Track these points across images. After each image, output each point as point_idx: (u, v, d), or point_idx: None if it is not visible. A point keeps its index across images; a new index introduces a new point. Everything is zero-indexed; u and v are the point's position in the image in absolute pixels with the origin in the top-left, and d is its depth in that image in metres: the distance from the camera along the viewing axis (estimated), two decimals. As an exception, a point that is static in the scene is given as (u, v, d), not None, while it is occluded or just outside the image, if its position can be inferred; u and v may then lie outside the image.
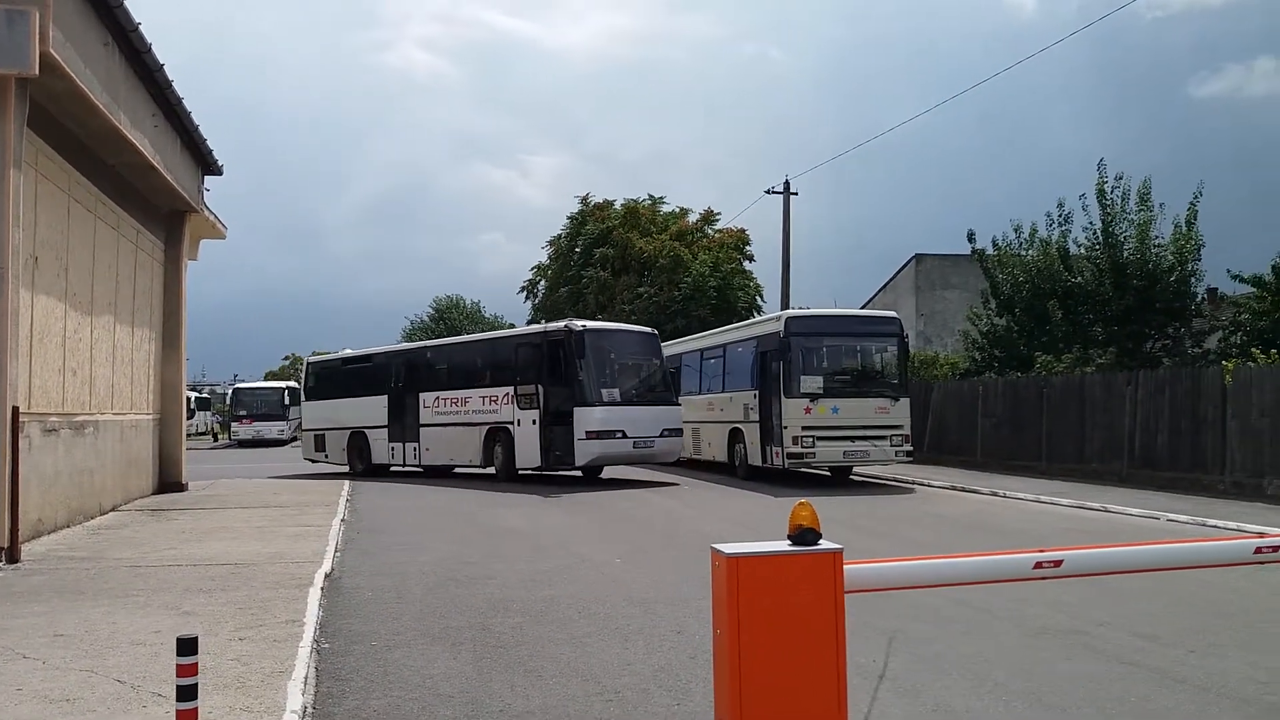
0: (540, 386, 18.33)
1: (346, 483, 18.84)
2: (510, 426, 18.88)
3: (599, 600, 7.92)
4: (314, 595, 7.76)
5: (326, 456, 24.01)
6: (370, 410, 22.69)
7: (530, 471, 19.25)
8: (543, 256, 42.03)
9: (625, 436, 17.85)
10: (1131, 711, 5.00)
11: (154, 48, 12.35)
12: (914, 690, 5.40)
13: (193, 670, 3.39)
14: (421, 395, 21.36)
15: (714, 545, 3.59)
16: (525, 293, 42.88)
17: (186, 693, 3.34)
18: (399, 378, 22.41)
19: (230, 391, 50.53)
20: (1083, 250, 22.20)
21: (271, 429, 43.75)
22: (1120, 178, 21.60)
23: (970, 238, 24.57)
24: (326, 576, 8.73)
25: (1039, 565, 3.82)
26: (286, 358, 74.40)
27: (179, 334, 17.59)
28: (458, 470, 21.11)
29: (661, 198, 39.79)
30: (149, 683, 5.34)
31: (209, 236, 19.77)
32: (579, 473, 19.42)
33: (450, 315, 61.76)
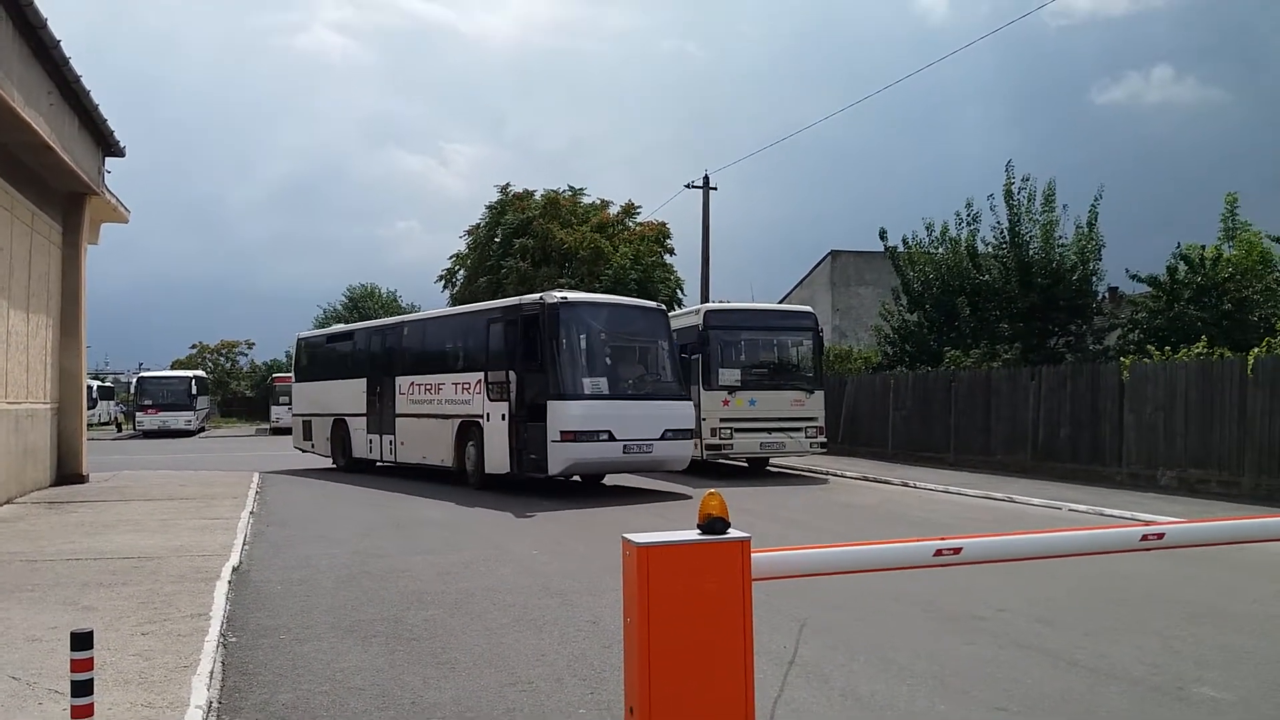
0: (512, 373, 14.72)
1: (256, 474, 18.40)
2: (481, 421, 15.44)
3: (515, 591, 7.91)
4: (220, 589, 7.59)
5: (313, 446, 22.00)
6: (350, 395, 20.11)
7: (507, 477, 15.23)
8: (461, 246, 41.56)
9: (613, 439, 14.23)
10: (1027, 693, 5.20)
11: (50, 22, 11.86)
12: (822, 676, 5.53)
13: (88, 665, 3.30)
14: (397, 380, 18.34)
15: (625, 535, 3.62)
16: (443, 282, 42.35)
17: (82, 688, 3.25)
18: (376, 358, 19.71)
19: (135, 380, 48.88)
20: (990, 249, 22.85)
21: (178, 419, 42.49)
22: (1027, 179, 22.29)
23: (882, 235, 25.08)
24: (234, 570, 8.54)
25: (939, 553, 3.94)
26: (193, 346, 72.21)
27: (78, 320, 16.93)
28: (432, 469, 17.50)
29: (582, 189, 39.69)
30: (45, 679, 5.16)
31: (110, 220, 19.06)
32: (580, 480, 16.37)
33: (365, 304, 60.62)
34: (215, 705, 5.00)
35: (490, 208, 39.58)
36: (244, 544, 10.11)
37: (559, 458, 14.05)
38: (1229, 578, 8.69)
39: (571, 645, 6.19)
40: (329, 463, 21.09)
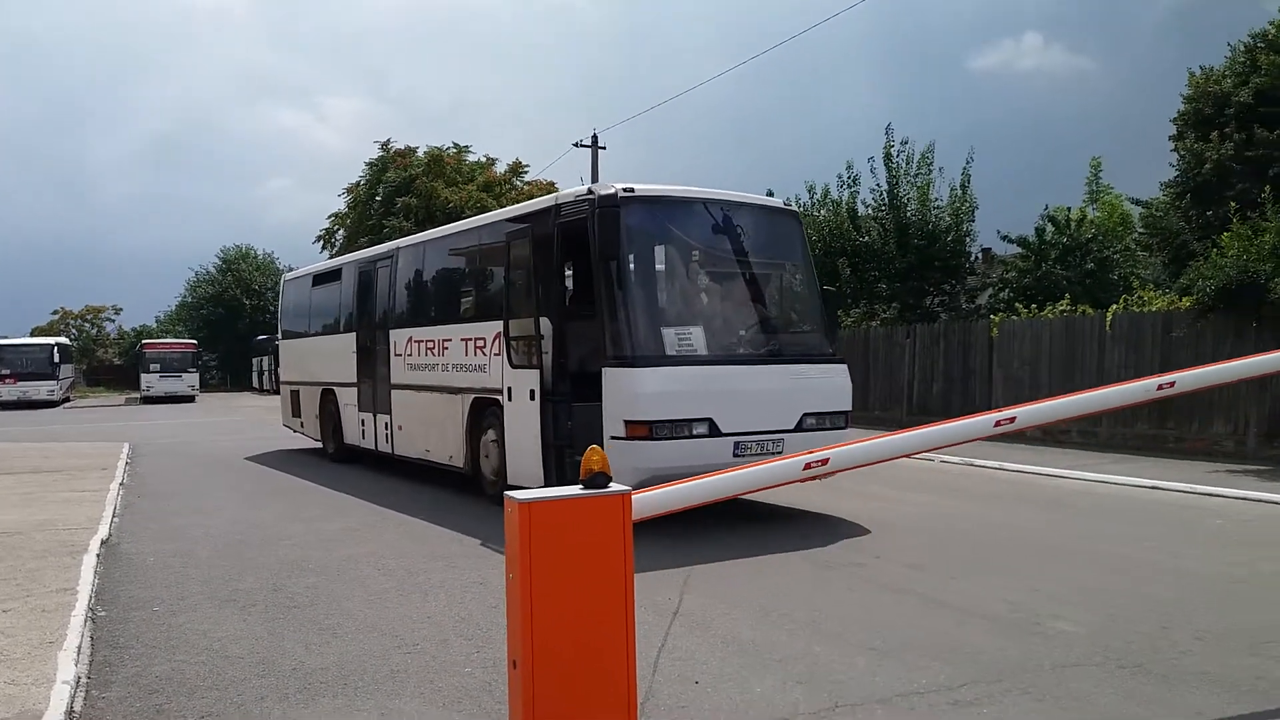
0: (545, 322, 9.15)
1: (126, 445, 17.67)
2: (500, 399, 9.84)
3: (399, 555, 7.84)
4: (89, 562, 7.30)
5: (302, 425, 16.62)
6: (339, 357, 14.47)
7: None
8: (340, 205, 40.42)
9: (716, 432, 8.29)
10: (897, 633, 5.44)
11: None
12: (705, 624, 5.67)
13: (-60, 641, 3.14)
14: (392, 335, 12.77)
15: (507, 493, 3.63)
16: (322, 242, 41.17)
17: (-67, 666, 3.08)
18: (366, 303, 13.97)
19: (-10, 349, 46.10)
20: (870, 211, 23.43)
21: (39, 389, 40.26)
22: (905, 142, 22.87)
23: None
24: (103, 543, 8.21)
25: (808, 466, 4.16)
26: (55, 312, 68.59)
27: (-75, 285, 15.85)
28: (438, 468, 11.68)
29: (467, 146, 38.93)
30: (-107, 662, 4.89)
31: (-41, 177, 17.85)
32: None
33: (239, 267, 58.46)
34: (84, 680, 4.82)
35: (370, 165, 38.58)
36: (114, 516, 9.73)
37: (624, 465, 7.42)
38: (1087, 522, 9.23)
39: (458, 607, 6.19)
40: (320, 447, 15.84)
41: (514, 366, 9.56)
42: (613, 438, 8.08)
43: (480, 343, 10.40)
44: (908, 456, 4.74)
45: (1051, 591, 6.36)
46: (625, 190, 8.62)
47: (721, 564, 7.28)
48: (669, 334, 8.63)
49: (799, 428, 8.76)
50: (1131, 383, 5.08)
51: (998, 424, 4.57)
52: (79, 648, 5.20)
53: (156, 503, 11.02)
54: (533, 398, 9.15)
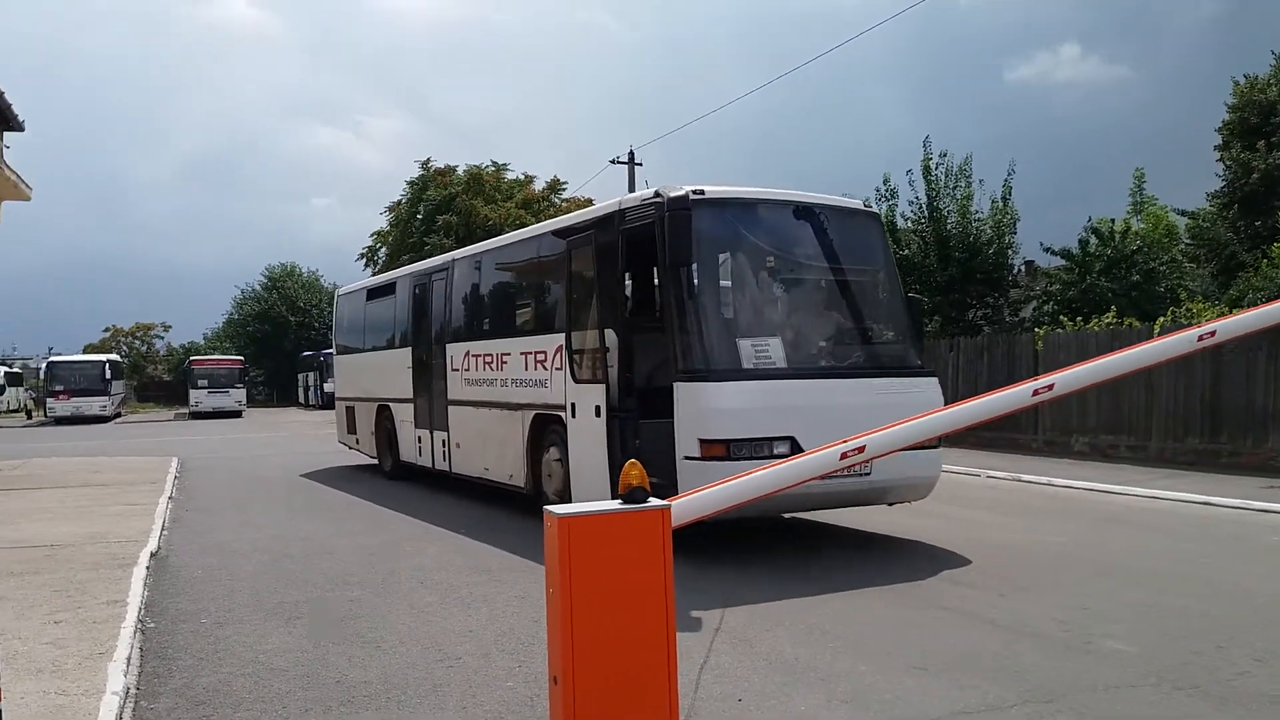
0: (610, 334, 8.73)
1: (174, 459, 17.96)
2: (563, 415, 9.42)
3: (442, 569, 7.88)
4: (138, 575, 7.41)
5: (358, 441, 16.37)
6: (394, 373, 14.31)
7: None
8: (382, 223, 40.92)
9: (800, 452, 6.44)
10: (944, 652, 5.35)
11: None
12: (747, 641, 5.62)
13: (-6, 653, 3.20)
14: (448, 349, 12.45)
15: (546, 508, 3.64)
16: (364, 260, 41.71)
17: (-13, 676, 3.14)
18: (421, 317, 13.67)
19: (45, 366, 47.16)
20: (909, 224, 23.25)
21: (92, 405, 41.11)
22: (944, 155, 22.68)
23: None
24: (152, 555, 8.34)
25: (844, 455, 4.14)
26: (106, 329, 70.09)
27: (-18, 303, 16.25)
28: (499, 488, 11.23)
29: (506, 164, 39.31)
30: (-50, 672, 4.99)
31: (12, 198, 18.29)
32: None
33: (284, 284, 59.32)
34: (133, 691, 4.89)
35: (411, 184, 39.05)
36: (163, 529, 9.88)
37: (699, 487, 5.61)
38: (1138, 538, 9.04)
39: (500, 621, 6.19)
40: (375, 464, 15.71)
41: (577, 381, 9.10)
42: (686, 458, 7.54)
43: (541, 356, 9.95)
44: (947, 435, 4.69)
45: (1102, 610, 6.23)
46: (695, 192, 8.06)
47: (763, 581, 7.22)
48: (745, 345, 8.07)
49: None
50: (1171, 336, 5.00)
51: (1035, 392, 4.55)
52: (128, 659, 5.27)
53: (204, 516, 11.17)
54: (598, 414, 8.65)
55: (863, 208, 9.61)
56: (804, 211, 8.89)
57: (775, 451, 7.48)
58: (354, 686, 4.96)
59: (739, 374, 7.84)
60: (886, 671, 5.04)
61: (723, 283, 8.51)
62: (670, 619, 3.65)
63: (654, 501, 3.65)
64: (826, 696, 4.70)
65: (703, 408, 7.58)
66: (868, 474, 7.75)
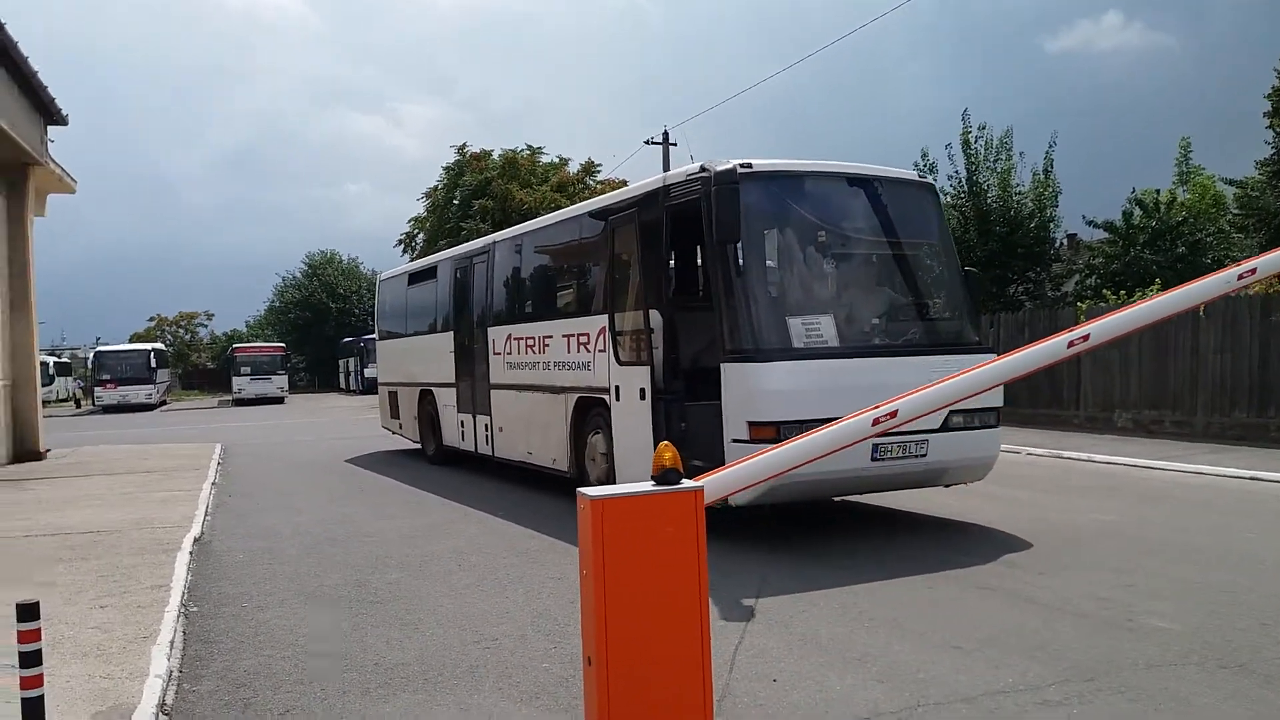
0: (655, 314, 8.53)
1: (218, 445, 18.24)
2: (606, 398, 9.28)
3: (480, 551, 7.93)
4: (182, 559, 7.53)
5: (400, 426, 16.46)
6: (436, 357, 14.23)
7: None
8: (419, 209, 41.10)
9: None
10: (982, 631, 5.29)
11: (-17, -14, 11.48)
12: (784, 622, 5.60)
13: (35, 636, 3.27)
14: (490, 333, 12.34)
15: (579, 490, 3.63)
16: (403, 246, 41.94)
17: (30, 659, 3.22)
18: (463, 301, 13.57)
19: (92, 355, 48.08)
20: (949, 198, 22.95)
21: (138, 393, 41.86)
22: (983, 128, 22.34)
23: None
24: (195, 540, 8.48)
25: (876, 421, 4.11)
26: (151, 319, 71.19)
27: (28, 294, 16.57)
28: (543, 472, 11.08)
29: (540, 148, 39.23)
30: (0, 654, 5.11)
31: (56, 190, 18.63)
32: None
33: (324, 271, 59.88)
34: (176, 674, 4.97)
35: (447, 169, 39.14)
36: (206, 515, 10.04)
37: None
38: (1182, 514, 8.89)
39: (536, 602, 6.22)
40: (418, 448, 15.64)
41: (621, 363, 8.92)
42: (734, 440, 7.25)
43: (584, 339, 9.76)
44: (982, 393, 4.61)
45: (1145, 587, 6.14)
46: (743, 165, 7.72)
47: (797, 561, 7.20)
48: (795, 324, 7.71)
49: (945, 427, 7.63)
50: (1210, 277, 4.87)
51: (1071, 344, 4.46)
52: (171, 642, 5.36)
53: (247, 502, 11.34)
54: (643, 397, 8.47)
55: (917, 178, 9.24)
56: (855, 183, 8.56)
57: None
58: (392, 668, 5.02)
59: (789, 354, 7.53)
60: (923, 650, 5.00)
61: (771, 259, 8.16)
62: (704, 600, 3.63)
63: (687, 483, 3.63)
64: (862, 676, 4.67)
65: (751, 389, 7.32)
66: (923, 455, 7.65)
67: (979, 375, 4.52)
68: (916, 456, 7.64)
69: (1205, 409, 14.72)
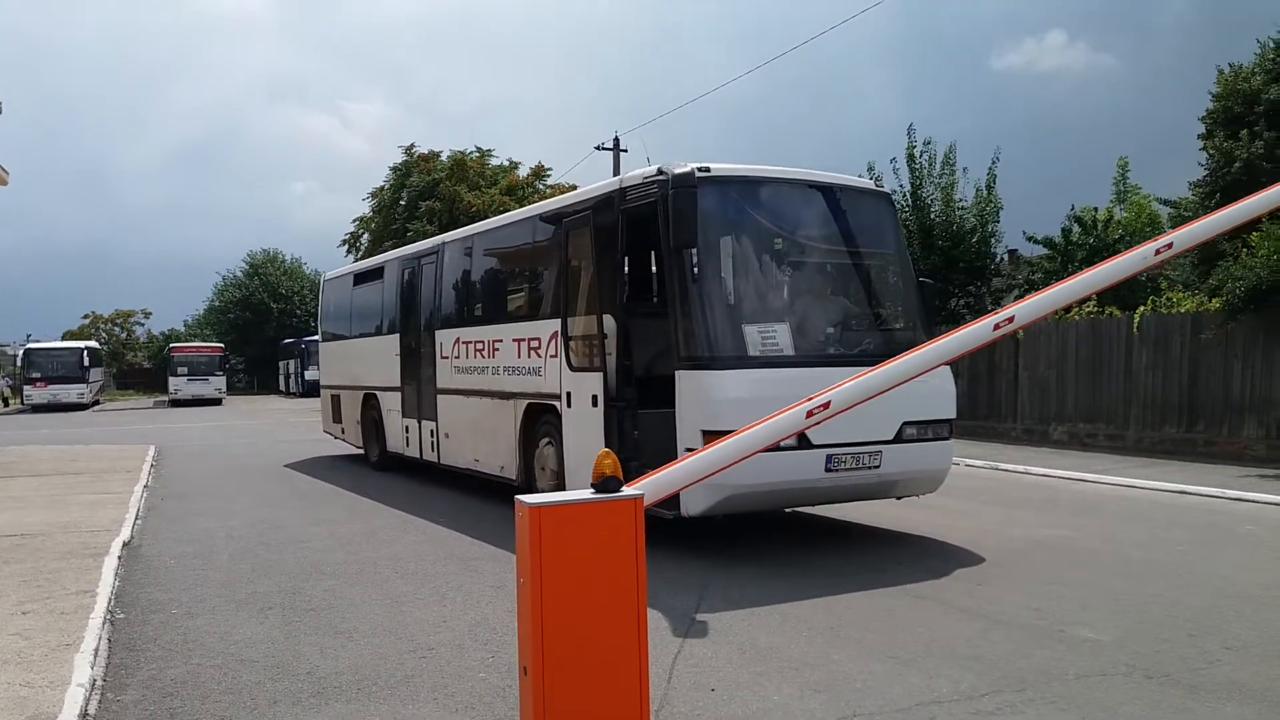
0: (609, 319, 8.39)
1: (152, 447, 17.81)
2: (557, 405, 9.12)
3: (419, 559, 7.82)
4: (109, 564, 7.33)
5: (343, 431, 16.08)
6: (381, 360, 13.99)
7: None
8: (364, 209, 40.63)
9: (806, 444, 7.22)
10: (918, 640, 5.34)
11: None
12: (722, 630, 5.60)
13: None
14: (438, 335, 12.16)
15: (517, 497, 3.59)
16: (347, 246, 41.41)
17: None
18: (410, 302, 13.37)
19: (22, 352, 46.69)
20: (893, 212, 23.23)
21: (70, 392, 40.73)
22: (929, 143, 22.63)
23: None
24: (125, 545, 8.25)
25: (810, 414, 4.16)
26: (86, 316, 69.34)
27: (-45, 289, 16.05)
28: (490, 480, 10.88)
29: (490, 150, 38.99)
30: (-88, 664, 4.92)
31: (-12, 182, 18.09)
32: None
33: (266, 271, 58.88)
34: (99, 683, 4.83)
35: (394, 169, 38.76)
36: (136, 518, 9.78)
37: (702, 483, 5.64)
38: (1113, 526, 9.07)
39: (474, 611, 6.15)
40: (361, 454, 15.36)
41: (573, 369, 8.77)
42: (689, 449, 6.89)
43: (535, 343, 9.58)
44: (911, 380, 4.65)
45: (1077, 598, 6.24)
46: (701, 169, 7.63)
47: (739, 571, 7.22)
48: (751, 332, 7.63)
49: (898, 438, 7.73)
50: (1130, 252, 4.94)
51: (996, 326, 4.52)
52: (96, 650, 5.21)
53: (180, 505, 11.07)
54: (595, 404, 8.33)
55: (875, 188, 9.27)
56: (814, 191, 8.48)
57: (782, 444, 6.49)
58: (325, 677, 4.92)
59: (745, 362, 7.44)
60: (860, 660, 5.03)
61: (728, 265, 8.00)
62: (642, 609, 3.61)
63: (626, 491, 3.61)
64: (799, 685, 4.68)
65: (706, 397, 7.20)
66: (876, 466, 7.63)
67: (910, 361, 4.56)
68: (870, 468, 7.63)
69: (1137, 424, 15.09)
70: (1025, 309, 4.64)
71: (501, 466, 10.33)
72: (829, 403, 4.18)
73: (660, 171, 7.79)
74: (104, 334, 66.92)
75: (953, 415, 8.30)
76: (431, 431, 12.19)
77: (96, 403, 44.83)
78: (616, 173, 32.05)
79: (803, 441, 7.07)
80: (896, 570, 7.11)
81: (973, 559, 7.53)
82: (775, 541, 8.37)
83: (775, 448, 6.56)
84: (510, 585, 6.53)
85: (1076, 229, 21.28)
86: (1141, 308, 16.14)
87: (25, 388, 42.11)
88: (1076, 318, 16.93)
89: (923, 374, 4.74)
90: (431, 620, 5.95)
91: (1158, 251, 4.73)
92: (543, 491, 8.72)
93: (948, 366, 8.18)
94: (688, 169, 7.56)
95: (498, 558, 7.73)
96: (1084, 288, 4.86)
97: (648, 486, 3.77)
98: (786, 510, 9.17)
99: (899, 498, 8.49)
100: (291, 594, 6.68)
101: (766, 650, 5.25)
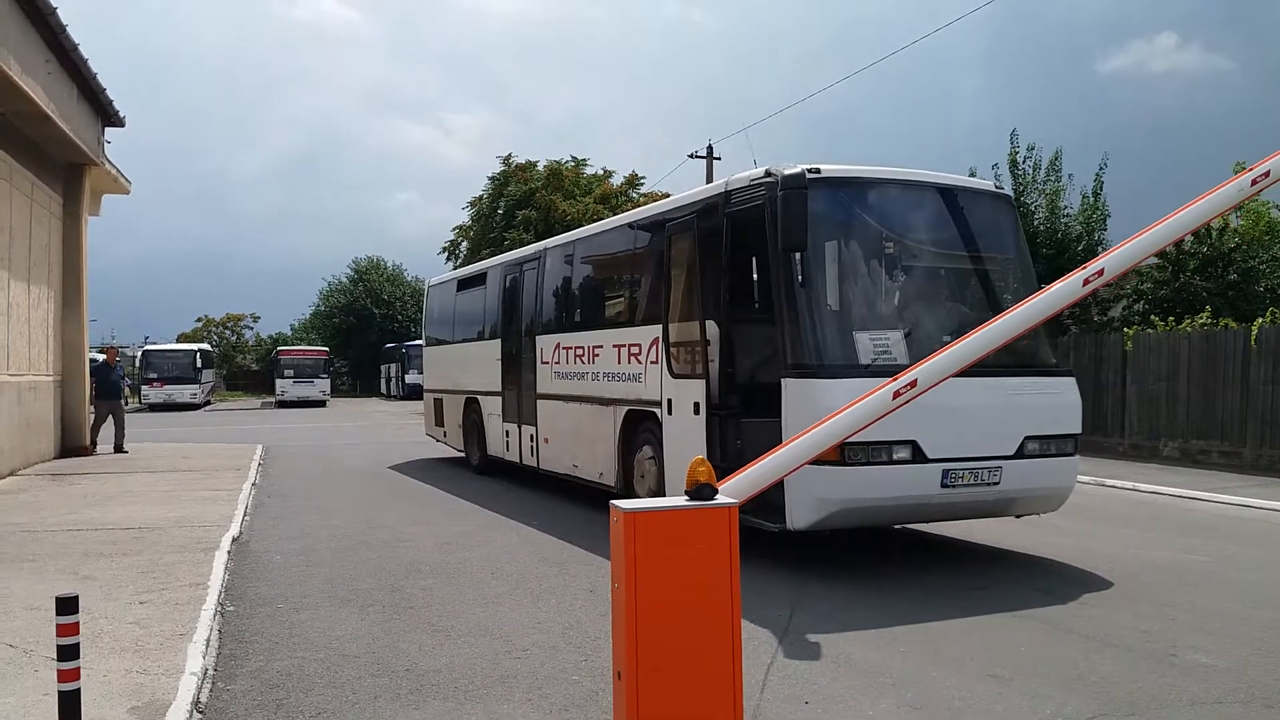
0: (712, 325, 8.17)
1: (259, 446, 18.46)
2: (658, 412, 8.99)
3: (514, 560, 7.94)
4: (220, 559, 7.62)
5: (445, 434, 16.25)
6: (483, 365, 14.05)
7: None
8: (464, 217, 41.45)
9: (920, 456, 6.98)
10: (1020, 660, 5.20)
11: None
12: (816, 642, 5.54)
13: (73, 630, 3.31)
14: (538, 341, 12.09)
15: (613, 502, 3.62)
16: (447, 254, 42.29)
17: (68, 652, 3.26)
18: (511, 308, 13.37)
19: (140, 354, 48.97)
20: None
21: (183, 392, 42.57)
22: (1032, 148, 22.06)
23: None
24: (234, 540, 8.57)
25: (897, 394, 4.11)
26: (199, 319, 72.49)
27: (80, 292, 16.94)
28: (590, 486, 10.78)
29: (585, 159, 39.41)
30: (41, 647, 5.18)
31: (111, 191, 19.03)
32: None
33: (370, 277, 60.57)
34: (210, 672, 5.02)
35: (492, 179, 39.44)
36: (245, 515, 10.15)
37: (809, 495, 6.84)
38: (1229, 547, 8.68)
39: (567, 614, 6.21)
40: (462, 457, 15.50)
41: (675, 376, 8.57)
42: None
43: (635, 349, 9.44)
44: (1004, 345, 4.56)
45: (1189, 621, 5.99)
46: (811, 170, 7.32)
47: (833, 584, 7.12)
48: (863, 339, 7.28)
49: (1020, 453, 7.30)
50: (1221, 188, 4.76)
51: (1086, 281, 4.41)
52: (208, 640, 5.42)
53: (285, 503, 11.46)
54: (696, 411, 8.10)
55: (995, 190, 8.80)
56: (929, 193, 8.09)
57: (895, 457, 6.85)
58: (423, 675, 5.02)
59: (855, 370, 7.00)
60: (960, 678, 4.91)
61: (838, 270, 7.66)
62: (736, 617, 3.60)
63: (721, 499, 3.61)
64: (896, 702, 4.60)
65: (814, 407, 6.44)
66: (996, 483, 7.23)
67: (999, 326, 4.48)
68: (989, 484, 7.21)
69: (1255, 440, 14.39)
70: (1114, 259, 4.53)
71: (600, 473, 10.27)
72: (915, 381, 4.12)
73: (768, 173, 7.58)
74: (215, 337, 69.82)
75: (1078, 430, 7.80)
76: (531, 436, 12.18)
77: (208, 403, 46.71)
78: (710, 179, 32.04)
79: (917, 455, 6.87)
80: (996, 588, 6.93)
81: (1079, 578, 7.28)
82: (868, 556, 8.24)
83: (888, 461, 6.84)
84: (603, 589, 6.59)
85: (1189, 238, 20.42)
86: (1260, 319, 15.42)
87: (142, 387, 44.13)
88: (1189, 330, 16.27)
89: (1018, 337, 4.63)
90: (525, 622, 6.03)
91: (1254, 181, 4.57)
92: (641, 498, 8.82)
93: (1074, 379, 8.04)
94: (798, 170, 7.27)
95: (590, 561, 7.80)
96: (1176, 229, 4.69)
97: (737, 484, 3.76)
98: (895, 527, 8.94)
99: (1017, 516, 8.14)
100: (391, 591, 6.85)
101: (862, 666, 5.17)
